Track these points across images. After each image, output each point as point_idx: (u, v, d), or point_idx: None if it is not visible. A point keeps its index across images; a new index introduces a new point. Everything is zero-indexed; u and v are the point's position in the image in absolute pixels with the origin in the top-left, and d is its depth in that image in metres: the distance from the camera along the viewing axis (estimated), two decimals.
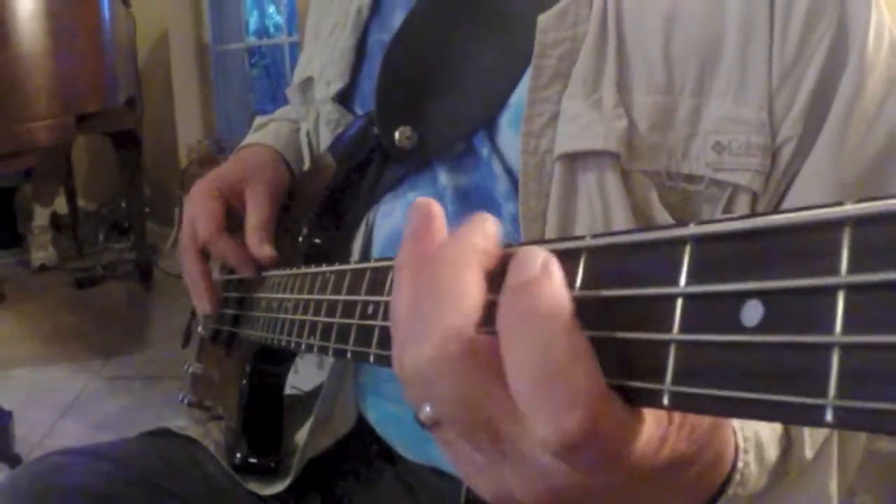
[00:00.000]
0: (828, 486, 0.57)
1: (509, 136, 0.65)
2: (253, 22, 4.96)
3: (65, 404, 2.57)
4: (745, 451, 0.43)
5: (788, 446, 0.51)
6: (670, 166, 0.60)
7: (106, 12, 2.91)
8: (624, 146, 0.59)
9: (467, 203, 0.68)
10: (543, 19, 0.62)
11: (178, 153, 4.27)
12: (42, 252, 4.08)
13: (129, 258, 3.99)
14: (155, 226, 4.25)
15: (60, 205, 4.47)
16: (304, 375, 0.88)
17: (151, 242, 3.94)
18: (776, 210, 0.24)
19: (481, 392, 0.32)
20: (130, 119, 3.39)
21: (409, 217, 0.38)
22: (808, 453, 0.53)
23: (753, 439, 0.44)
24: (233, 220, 0.82)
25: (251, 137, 0.95)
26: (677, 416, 0.33)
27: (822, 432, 0.53)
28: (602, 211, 0.60)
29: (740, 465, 0.42)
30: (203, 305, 0.83)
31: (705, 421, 0.35)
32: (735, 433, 0.43)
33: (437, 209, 0.37)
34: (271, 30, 5.08)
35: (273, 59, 4.86)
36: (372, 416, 0.80)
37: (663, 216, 0.60)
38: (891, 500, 1.57)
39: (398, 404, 0.73)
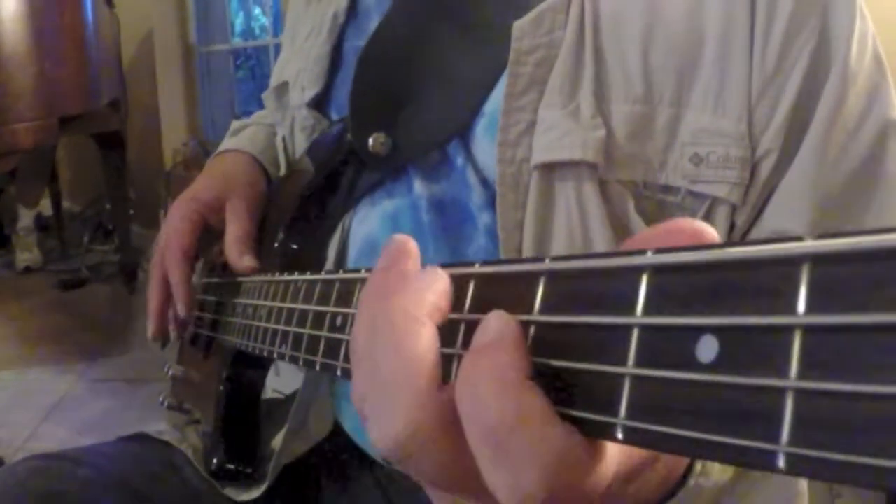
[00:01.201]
0: (798, 481, 0.56)
1: (485, 144, 0.65)
2: (238, 23, 4.94)
3: (48, 407, 2.56)
4: None
5: None
6: (647, 176, 0.59)
7: (89, 14, 2.90)
8: (602, 156, 0.58)
9: (443, 213, 0.68)
10: (519, 25, 0.61)
11: (163, 155, 4.25)
12: (27, 254, 4.07)
13: (114, 260, 3.97)
14: (139, 228, 4.22)
15: (45, 206, 4.45)
16: (285, 378, 0.88)
17: (136, 245, 3.92)
18: (734, 242, 0.24)
19: (457, 453, 0.31)
20: (115, 121, 3.37)
21: (383, 250, 0.37)
22: None
23: None
24: (212, 234, 0.82)
25: (227, 143, 0.94)
26: None
27: None
28: (580, 221, 0.59)
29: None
30: (148, 328, 0.85)
31: None
32: None
33: (413, 246, 0.37)
34: (257, 31, 5.07)
35: (258, 61, 4.85)
36: (348, 424, 0.80)
37: (640, 226, 0.59)
38: (873, 501, 1.58)
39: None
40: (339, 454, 0.83)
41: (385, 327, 0.33)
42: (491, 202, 0.63)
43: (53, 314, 3.52)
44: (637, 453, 0.34)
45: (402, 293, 0.34)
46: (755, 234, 0.60)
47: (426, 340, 0.32)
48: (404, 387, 0.31)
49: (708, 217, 0.59)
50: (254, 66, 5.00)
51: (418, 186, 0.69)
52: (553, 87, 0.61)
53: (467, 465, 0.30)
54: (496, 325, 0.30)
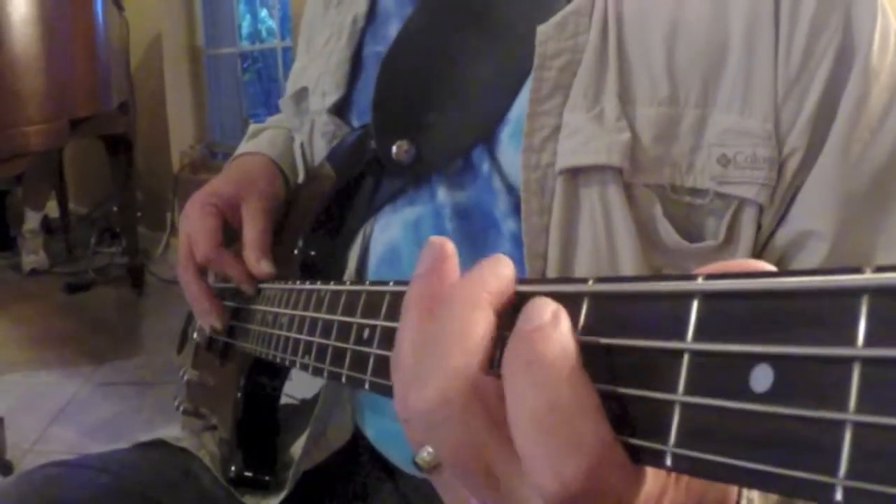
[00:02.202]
0: None
1: (510, 151, 0.65)
2: (246, 26, 4.95)
3: (56, 410, 2.55)
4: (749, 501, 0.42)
5: None
6: (675, 179, 0.59)
7: (99, 17, 2.91)
8: (627, 160, 0.58)
9: (467, 220, 0.67)
10: (543, 30, 0.61)
11: (171, 157, 4.26)
12: (33, 256, 4.07)
13: (121, 262, 3.98)
14: (147, 230, 4.24)
15: (52, 208, 4.45)
16: (298, 383, 0.87)
17: (143, 247, 3.93)
18: (790, 271, 0.23)
19: (482, 435, 0.31)
20: (123, 123, 3.38)
21: (421, 254, 0.37)
22: None
23: None
24: (228, 235, 0.81)
25: (246, 146, 0.94)
26: None
27: None
28: (605, 226, 0.59)
29: (744, 502, 0.41)
30: (211, 321, 0.82)
31: None
32: None
33: (451, 249, 0.37)
34: (264, 34, 5.07)
35: (266, 64, 4.86)
36: (370, 433, 0.80)
37: (667, 230, 0.59)
38: None
39: (398, 422, 0.72)
40: (358, 463, 0.82)
41: (437, 323, 0.33)
42: (516, 208, 0.63)
43: (60, 317, 3.53)
44: (684, 482, 0.33)
45: (467, 278, 0.34)
46: (781, 234, 0.60)
47: (479, 324, 0.32)
48: (445, 359, 0.32)
49: (735, 219, 0.59)
50: (261, 69, 5.01)
51: (441, 194, 0.69)
52: (577, 91, 0.60)
53: (494, 446, 0.31)
54: (554, 307, 0.30)
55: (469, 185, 0.68)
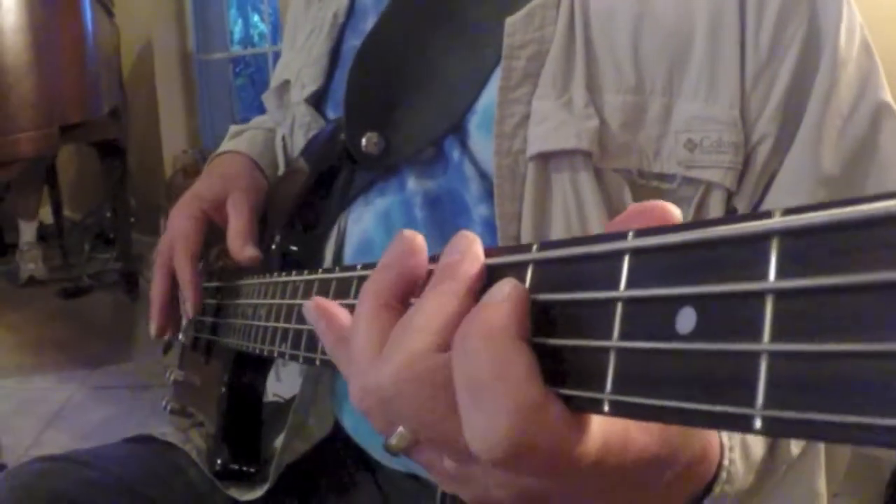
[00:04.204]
0: (816, 483, 0.57)
1: (480, 138, 0.66)
2: (237, 31, 4.95)
3: (51, 414, 2.56)
4: (731, 449, 0.43)
5: (774, 443, 0.51)
6: (642, 165, 0.61)
7: (89, 23, 2.91)
8: (596, 145, 0.60)
9: (437, 207, 0.69)
10: (511, 22, 0.63)
11: (163, 163, 4.27)
12: (31, 265, 4.05)
13: (115, 268, 3.98)
14: (140, 236, 4.23)
15: (46, 215, 4.45)
16: (286, 383, 0.89)
17: (137, 252, 3.93)
18: (709, 220, 0.25)
19: (440, 408, 0.33)
20: (115, 129, 3.39)
21: (390, 245, 0.38)
22: (795, 450, 0.52)
23: (738, 436, 0.44)
24: (216, 234, 0.83)
25: (226, 145, 0.96)
26: None
27: None
28: (576, 210, 0.61)
29: (726, 462, 0.43)
30: (151, 327, 0.86)
31: None
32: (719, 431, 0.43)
33: (421, 243, 0.38)
34: (255, 38, 5.07)
35: (258, 68, 4.86)
36: (348, 424, 0.81)
37: None
38: (872, 500, 1.58)
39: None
40: (340, 455, 0.84)
41: (420, 304, 0.35)
42: (488, 194, 0.65)
43: (55, 322, 3.53)
44: (655, 431, 0.35)
45: (451, 267, 0.35)
46: None
47: (442, 308, 0.34)
48: (404, 342, 0.33)
49: (703, 203, 0.61)
50: (253, 74, 5.01)
51: (412, 183, 0.71)
52: (546, 80, 0.62)
53: (449, 424, 0.32)
54: (503, 288, 0.32)
55: (440, 173, 0.70)
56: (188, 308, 0.82)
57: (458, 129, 0.68)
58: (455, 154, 0.68)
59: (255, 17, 5.11)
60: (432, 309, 0.33)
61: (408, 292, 0.38)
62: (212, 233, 0.84)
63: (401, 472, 0.76)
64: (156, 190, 4.26)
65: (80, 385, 2.79)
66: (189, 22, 4.38)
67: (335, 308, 0.43)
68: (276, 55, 4.07)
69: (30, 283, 4.02)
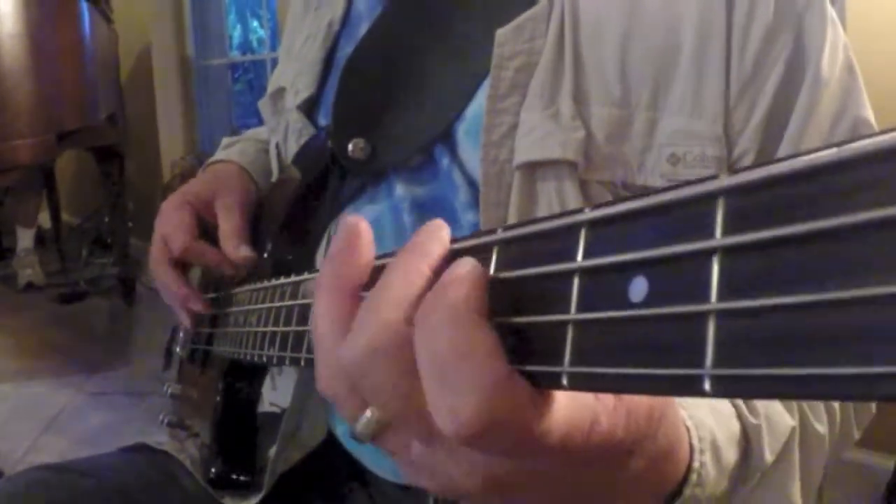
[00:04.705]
0: (791, 490, 0.57)
1: (468, 146, 0.67)
2: (236, 35, 4.97)
3: (48, 419, 2.57)
4: (702, 452, 0.43)
5: (747, 448, 0.50)
6: (626, 177, 0.62)
7: (87, 29, 2.92)
8: (581, 156, 0.61)
9: (426, 214, 0.70)
10: (501, 32, 0.64)
11: (161, 168, 4.27)
12: (29, 270, 4.05)
13: (112, 273, 3.98)
14: (138, 241, 4.23)
15: (44, 219, 4.45)
16: (282, 392, 0.89)
17: (134, 257, 3.93)
18: (660, 189, 0.25)
19: (409, 382, 0.33)
20: (113, 135, 3.40)
21: (335, 237, 0.39)
22: (769, 456, 0.52)
23: (709, 439, 0.44)
24: (205, 233, 0.83)
25: (217, 156, 0.97)
26: (608, 398, 0.34)
27: (780, 433, 0.52)
28: None
29: (696, 464, 0.42)
30: (189, 306, 0.83)
31: (641, 408, 0.35)
32: (689, 432, 0.43)
33: (365, 228, 0.38)
34: (254, 44, 5.09)
35: (256, 74, 4.88)
36: (339, 431, 0.82)
37: None
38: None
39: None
40: (332, 464, 0.84)
41: (383, 281, 0.35)
42: (476, 201, 0.65)
43: (52, 327, 3.53)
44: (622, 411, 0.35)
45: (412, 246, 0.35)
46: None
47: (411, 277, 0.34)
48: (375, 314, 0.34)
49: None
50: (252, 80, 5.03)
51: (400, 189, 0.71)
52: (534, 91, 0.63)
53: (418, 401, 0.32)
54: (462, 266, 0.32)
55: (429, 180, 0.70)
56: (225, 268, 0.81)
57: (448, 137, 0.69)
58: (444, 161, 0.69)
59: (254, 23, 5.12)
60: (398, 285, 0.34)
61: (361, 277, 0.38)
62: (203, 232, 0.84)
63: (392, 482, 0.77)
64: (154, 195, 4.26)
65: (77, 390, 2.79)
66: (188, 27, 4.39)
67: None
68: (275, 62, 4.05)
69: (27, 289, 4.02)
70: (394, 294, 0.33)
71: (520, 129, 0.63)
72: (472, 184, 0.67)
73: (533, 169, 0.62)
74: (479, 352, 0.30)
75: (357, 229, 0.38)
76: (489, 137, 0.63)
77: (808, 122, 0.60)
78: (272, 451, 0.84)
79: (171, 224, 0.82)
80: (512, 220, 0.63)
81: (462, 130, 0.68)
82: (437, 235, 0.36)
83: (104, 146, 3.42)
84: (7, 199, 4.06)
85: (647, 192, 0.59)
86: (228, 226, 0.80)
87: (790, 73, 0.61)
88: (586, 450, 0.33)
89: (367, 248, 0.38)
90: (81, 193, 4.94)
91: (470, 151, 0.67)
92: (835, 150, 0.20)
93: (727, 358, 0.22)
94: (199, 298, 0.83)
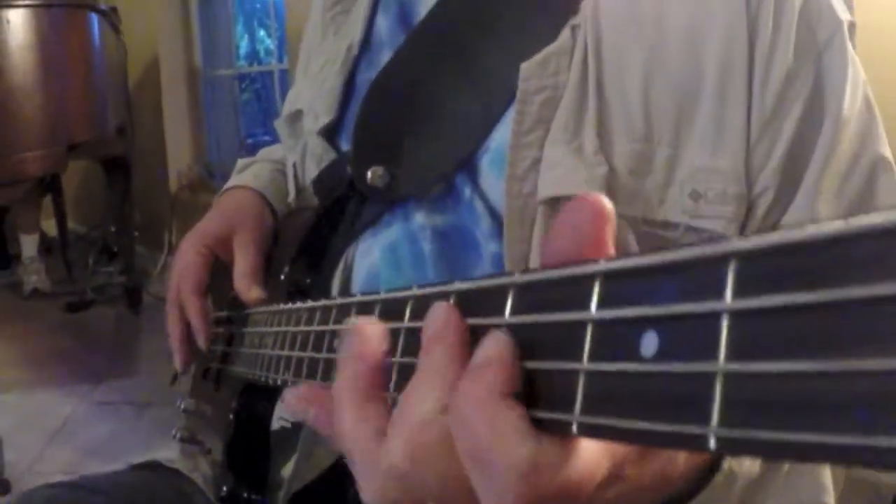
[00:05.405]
0: (823, 479, 0.56)
1: (491, 178, 0.68)
2: (244, 45, 4.98)
3: (54, 429, 2.58)
4: None
5: None
6: (647, 213, 0.62)
7: (96, 41, 2.94)
8: (604, 191, 0.61)
9: (446, 242, 0.70)
10: (526, 67, 0.64)
11: (168, 178, 4.29)
12: (35, 277, 4.06)
13: (118, 282, 3.99)
14: (144, 250, 4.25)
15: (50, 227, 4.47)
16: None
17: (141, 267, 3.95)
18: (673, 247, 0.26)
19: (457, 471, 0.33)
20: (121, 145, 3.41)
21: (343, 342, 0.39)
22: None
23: None
24: (222, 269, 0.85)
25: (232, 180, 0.97)
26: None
27: None
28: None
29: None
30: (175, 361, 0.87)
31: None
32: None
33: (373, 330, 0.38)
34: (262, 53, 5.10)
35: (263, 84, 4.89)
36: None
37: None
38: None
39: None
40: (345, 483, 0.85)
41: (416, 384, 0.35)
42: (498, 232, 0.66)
43: (58, 335, 3.54)
44: (647, 466, 0.35)
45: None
46: None
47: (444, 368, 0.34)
48: (411, 411, 0.34)
49: None
50: (258, 90, 5.04)
51: (420, 217, 0.72)
52: (558, 125, 0.64)
53: (464, 481, 0.32)
54: (489, 348, 0.32)
55: (450, 209, 0.71)
56: (199, 340, 0.83)
57: (470, 167, 0.69)
58: (466, 191, 0.70)
59: (262, 33, 5.14)
60: (429, 381, 0.34)
61: (382, 379, 0.38)
62: (222, 265, 0.86)
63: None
64: (160, 205, 4.28)
65: (83, 400, 2.80)
66: (195, 38, 4.41)
67: (318, 392, 0.43)
68: (283, 73, 4.09)
69: (33, 296, 4.03)
70: (427, 390, 0.34)
71: (543, 163, 0.63)
72: (494, 214, 0.68)
73: (556, 203, 0.63)
74: (508, 435, 0.30)
75: (367, 332, 0.38)
76: (513, 171, 0.64)
77: (828, 163, 0.61)
78: (285, 469, 0.84)
79: (182, 266, 0.85)
80: (535, 254, 0.63)
81: (486, 161, 0.68)
82: (452, 321, 0.35)
83: (112, 156, 3.43)
84: (11, 205, 4.06)
85: (667, 225, 0.61)
86: (243, 265, 0.82)
87: (809, 110, 0.62)
88: (630, 477, 0.34)
89: (381, 348, 0.38)
90: (88, 202, 4.96)
91: (493, 182, 0.68)
92: (843, 222, 0.20)
93: (733, 418, 0.22)
94: (184, 359, 0.88)
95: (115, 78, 3.29)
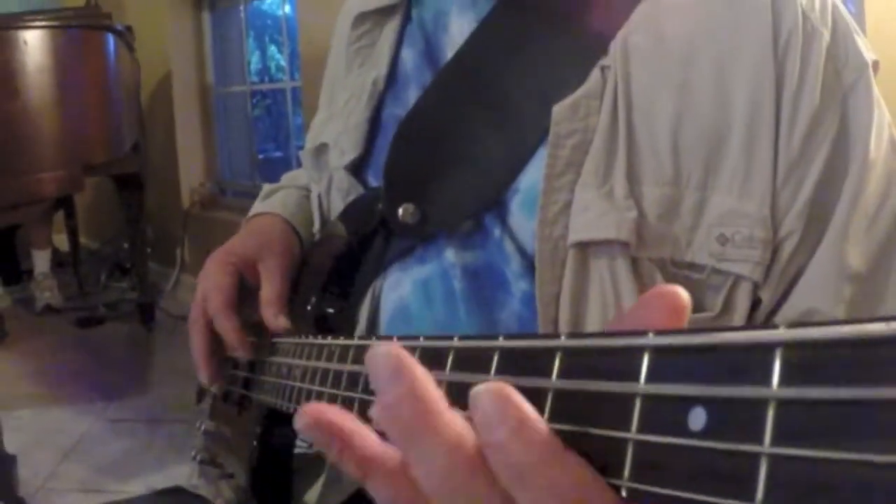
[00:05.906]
0: None
1: (521, 219, 0.68)
2: (255, 61, 5.00)
3: (68, 446, 2.59)
4: None
5: None
6: (675, 255, 0.63)
7: (112, 62, 2.96)
8: (634, 235, 0.62)
9: (477, 281, 0.71)
10: (558, 111, 0.65)
11: (181, 194, 4.31)
12: (47, 293, 4.08)
13: (131, 298, 4.01)
14: (157, 266, 4.27)
15: (62, 243, 4.49)
16: None
17: (153, 282, 3.96)
18: (723, 328, 0.28)
19: (485, 495, 0.32)
20: (134, 162, 3.43)
21: (378, 375, 0.36)
22: None
23: None
24: (246, 292, 0.85)
25: (259, 206, 0.97)
26: None
27: None
28: (613, 295, 0.63)
29: None
30: (202, 377, 0.86)
31: None
32: None
33: (408, 361, 0.35)
34: (273, 69, 5.13)
35: (275, 101, 4.91)
36: None
37: None
38: None
39: None
40: None
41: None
42: (529, 271, 0.67)
43: (71, 352, 3.56)
44: None
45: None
46: (785, 311, 0.64)
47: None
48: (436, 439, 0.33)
49: (731, 293, 0.63)
50: (270, 106, 5.06)
51: (450, 255, 0.72)
52: (589, 169, 0.64)
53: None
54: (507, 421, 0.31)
55: (479, 246, 0.71)
56: (241, 353, 0.82)
57: (499, 206, 0.70)
58: (496, 230, 0.70)
59: (273, 48, 5.17)
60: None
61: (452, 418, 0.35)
62: (245, 288, 0.86)
63: None
64: (173, 221, 4.30)
65: (96, 417, 2.81)
66: (208, 55, 4.44)
67: (352, 424, 0.38)
68: (295, 90, 4.12)
69: (46, 312, 4.05)
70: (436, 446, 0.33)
71: (574, 206, 0.64)
72: (524, 254, 0.68)
73: (586, 247, 0.64)
74: (552, 455, 0.31)
75: (400, 362, 0.35)
76: (545, 215, 0.65)
77: (855, 207, 0.62)
78: (309, 495, 0.85)
79: (210, 284, 0.83)
80: (565, 296, 0.64)
81: (516, 203, 0.69)
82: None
83: (125, 174, 3.45)
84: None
85: (693, 267, 0.62)
86: (270, 292, 0.81)
87: (835, 153, 0.62)
88: None
89: (426, 375, 0.35)
90: (100, 218, 4.99)
91: (523, 223, 0.68)
92: (884, 324, 0.22)
93: (777, 498, 0.24)
94: (212, 376, 0.85)
95: (129, 97, 3.31)
